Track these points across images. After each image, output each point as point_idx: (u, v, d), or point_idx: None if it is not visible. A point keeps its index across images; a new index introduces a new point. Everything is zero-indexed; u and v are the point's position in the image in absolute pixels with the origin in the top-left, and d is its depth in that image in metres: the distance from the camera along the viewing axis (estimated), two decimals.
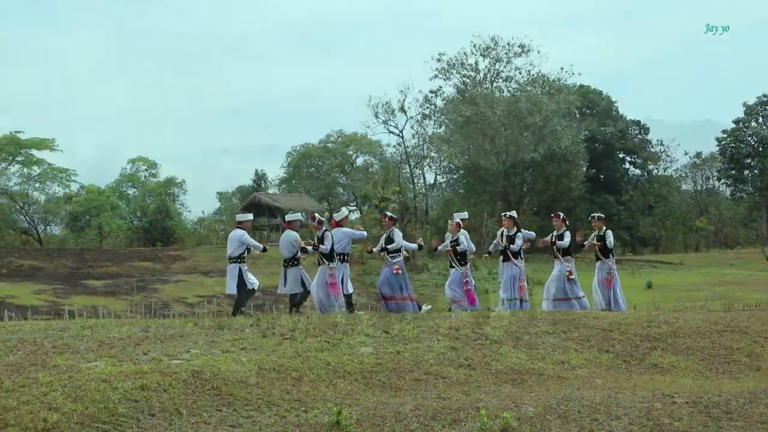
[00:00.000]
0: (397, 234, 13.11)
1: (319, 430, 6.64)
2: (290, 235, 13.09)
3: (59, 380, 7.04)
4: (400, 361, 8.58)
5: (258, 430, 6.57)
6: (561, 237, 13.68)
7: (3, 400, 6.55)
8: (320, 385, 7.70)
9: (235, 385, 7.34)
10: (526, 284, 13.59)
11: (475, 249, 14.22)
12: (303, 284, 13.05)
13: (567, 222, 14.10)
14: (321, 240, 12.60)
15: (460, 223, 13.85)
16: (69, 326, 9.85)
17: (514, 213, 14.24)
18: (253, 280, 12.91)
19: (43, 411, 6.37)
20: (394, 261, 12.90)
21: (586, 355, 9.52)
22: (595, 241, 13.73)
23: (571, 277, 13.51)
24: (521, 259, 13.55)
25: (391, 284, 12.83)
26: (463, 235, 13.64)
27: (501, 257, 13.75)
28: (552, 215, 14.55)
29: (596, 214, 14.27)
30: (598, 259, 13.74)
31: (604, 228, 13.88)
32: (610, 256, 13.68)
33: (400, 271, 12.86)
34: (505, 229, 13.72)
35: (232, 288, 12.78)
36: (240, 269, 12.70)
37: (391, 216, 13.46)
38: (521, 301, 13.36)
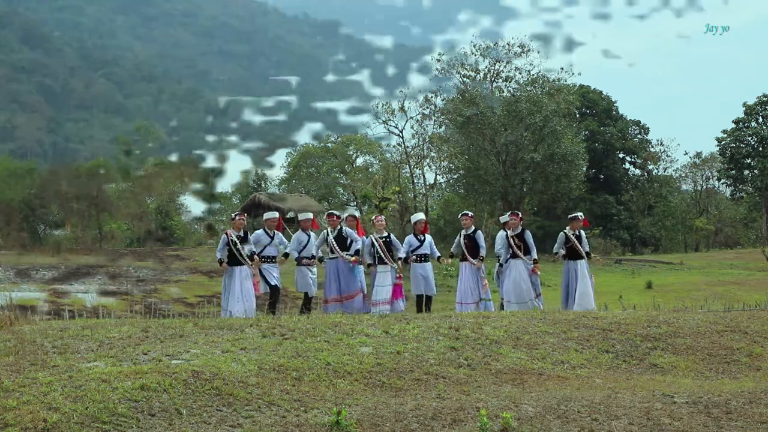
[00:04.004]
0: (350, 233, 13.17)
1: (319, 430, 6.65)
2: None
3: (59, 380, 7.04)
4: (400, 361, 8.58)
5: (258, 430, 6.57)
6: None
7: (3, 400, 6.55)
8: (320, 385, 7.70)
9: (235, 385, 7.34)
10: (486, 282, 13.54)
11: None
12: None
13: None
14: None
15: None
16: (69, 326, 9.84)
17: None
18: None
19: (43, 411, 6.37)
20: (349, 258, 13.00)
21: (586, 355, 9.52)
22: (574, 240, 13.64)
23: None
24: (480, 258, 13.45)
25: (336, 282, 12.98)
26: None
27: (459, 257, 13.73)
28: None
29: (576, 214, 14.04)
30: (579, 257, 13.63)
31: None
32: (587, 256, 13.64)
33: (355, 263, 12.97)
34: (464, 229, 13.65)
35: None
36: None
37: (332, 213, 13.53)
38: (485, 300, 13.34)
